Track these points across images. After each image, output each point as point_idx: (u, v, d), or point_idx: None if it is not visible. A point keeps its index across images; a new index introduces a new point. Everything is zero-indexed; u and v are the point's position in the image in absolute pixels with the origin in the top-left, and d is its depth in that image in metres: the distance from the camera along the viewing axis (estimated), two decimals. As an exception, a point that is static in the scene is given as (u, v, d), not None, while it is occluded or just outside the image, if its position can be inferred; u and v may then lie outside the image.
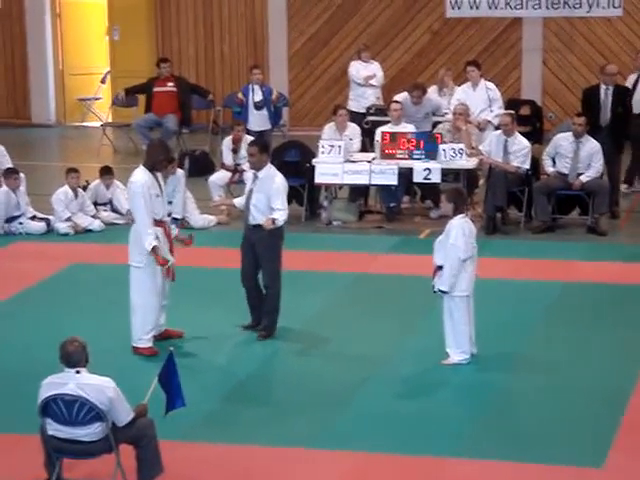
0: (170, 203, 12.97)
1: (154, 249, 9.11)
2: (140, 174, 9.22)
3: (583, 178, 13.05)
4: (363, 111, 15.97)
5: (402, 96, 14.58)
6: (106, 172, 13.81)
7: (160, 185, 9.30)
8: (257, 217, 9.60)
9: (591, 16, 18.30)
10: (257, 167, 9.71)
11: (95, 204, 13.61)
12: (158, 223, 9.27)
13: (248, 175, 13.83)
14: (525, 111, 17.31)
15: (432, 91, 15.37)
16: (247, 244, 9.77)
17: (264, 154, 9.73)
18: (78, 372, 6.62)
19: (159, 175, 9.34)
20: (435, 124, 14.68)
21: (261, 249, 9.64)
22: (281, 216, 9.55)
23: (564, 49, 18.75)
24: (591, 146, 13.13)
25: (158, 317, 9.42)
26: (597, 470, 7.29)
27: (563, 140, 13.26)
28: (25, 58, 20.41)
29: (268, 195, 9.55)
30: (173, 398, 7.01)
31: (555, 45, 18.77)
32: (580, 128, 13.10)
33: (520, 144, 13.22)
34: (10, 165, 13.94)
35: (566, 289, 11.08)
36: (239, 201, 10.04)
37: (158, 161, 9.30)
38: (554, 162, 13.33)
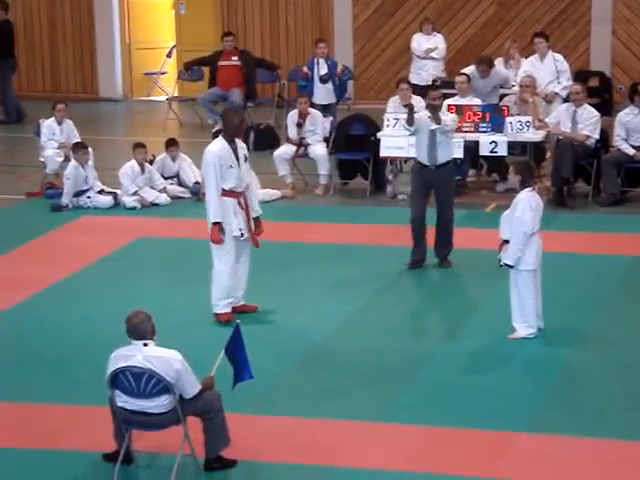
0: None
1: (215, 224, 9.17)
2: (217, 144, 9.33)
3: None
4: (424, 84, 15.86)
5: (469, 69, 14.47)
6: (172, 144, 13.89)
7: (238, 156, 9.32)
8: (444, 156, 10.66)
9: (663, -15, 17.96)
10: (437, 110, 10.75)
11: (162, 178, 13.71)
12: (231, 194, 9.30)
13: (313, 149, 14.00)
14: (594, 83, 17.05)
15: (498, 64, 15.23)
16: (425, 184, 10.75)
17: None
18: (146, 344, 6.69)
19: (238, 145, 9.37)
20: (502, 97, 14.55)
21: (446, 185, 10.75)
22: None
23: (634, 19, 18.42)
24: None
25: (235, 285, 9.46)
26: (666, 446, 7.22)
27: (627, 116, 13.08)
28: (92, 33, 20.56)
29: (445, 132, 10.66)
30: (240, 371, 7.05)
31: (625, 15, 18.45)
32: None
33: (589, 113, 13.06)
34: (78, 139, 14.09)
35: (635, 263, 10.93)
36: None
37: (236, 126, 9.35)
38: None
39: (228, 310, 9.42)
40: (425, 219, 10.72)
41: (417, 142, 10.82)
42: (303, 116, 14.11)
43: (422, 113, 10.89)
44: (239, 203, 9.33)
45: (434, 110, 10.69)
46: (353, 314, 9.72)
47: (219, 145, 9.30)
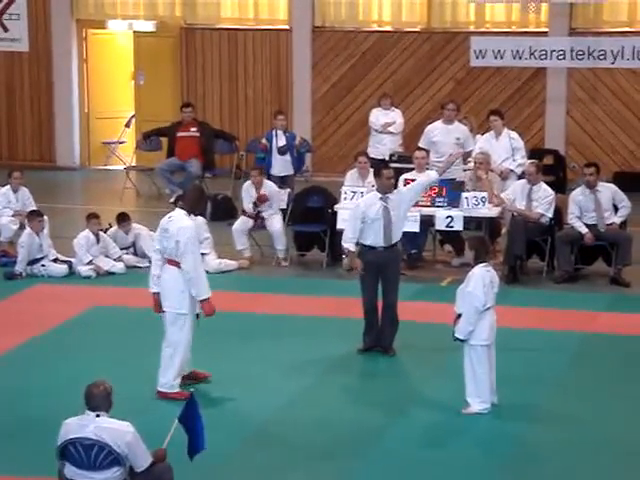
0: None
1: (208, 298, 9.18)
2: (186, 219, 9.25)
3: (617, 220, 13.06)
4: (381, 157, 16.01)
5: (433, 125, 14.72)
6: (123, 219, 13.81)
7: None
8: (398, 235, 10.35)
9: (615, 67, 18.30)
10: (390, 189, 10.40)
11: (116, 248, 13.66)
12: (175, 263, 9.27)
13: (270, 223, 13.97)
14: (548, 161, 17.29)
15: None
16: (374, 267, 10.32)
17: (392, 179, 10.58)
18: (98, 416, 6.61)
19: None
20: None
21: (393, 268, 10.38)
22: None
23: (588, 100, 18.76)
24: (609, 189, 13.17)
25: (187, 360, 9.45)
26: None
27: (579, 195, 13.24)
28: (51, 101, 20.59)
29: (402, 210, 10.41)
30: (195, 441, 6.94)
31: (579, 96, 18.79)
32: (592, 178, 13.13)
33: (545, 192, 13.21)
34: (34, 207, 14.02)
35: (588, 340, 11.00)
36: (351, 245, 10.48)
37: (199, 207, 9.51)
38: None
39: (179, 389, 9.27)
40: (376, 300, 10.50)
41: (368, 225, 10.33)
42: (258, 188, 14.02)
43: (371, 194, 10.59)
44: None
45: (389, 190, 10.34)
46: (305, 388, 9.67)
47: (189, 219, 9.28)
